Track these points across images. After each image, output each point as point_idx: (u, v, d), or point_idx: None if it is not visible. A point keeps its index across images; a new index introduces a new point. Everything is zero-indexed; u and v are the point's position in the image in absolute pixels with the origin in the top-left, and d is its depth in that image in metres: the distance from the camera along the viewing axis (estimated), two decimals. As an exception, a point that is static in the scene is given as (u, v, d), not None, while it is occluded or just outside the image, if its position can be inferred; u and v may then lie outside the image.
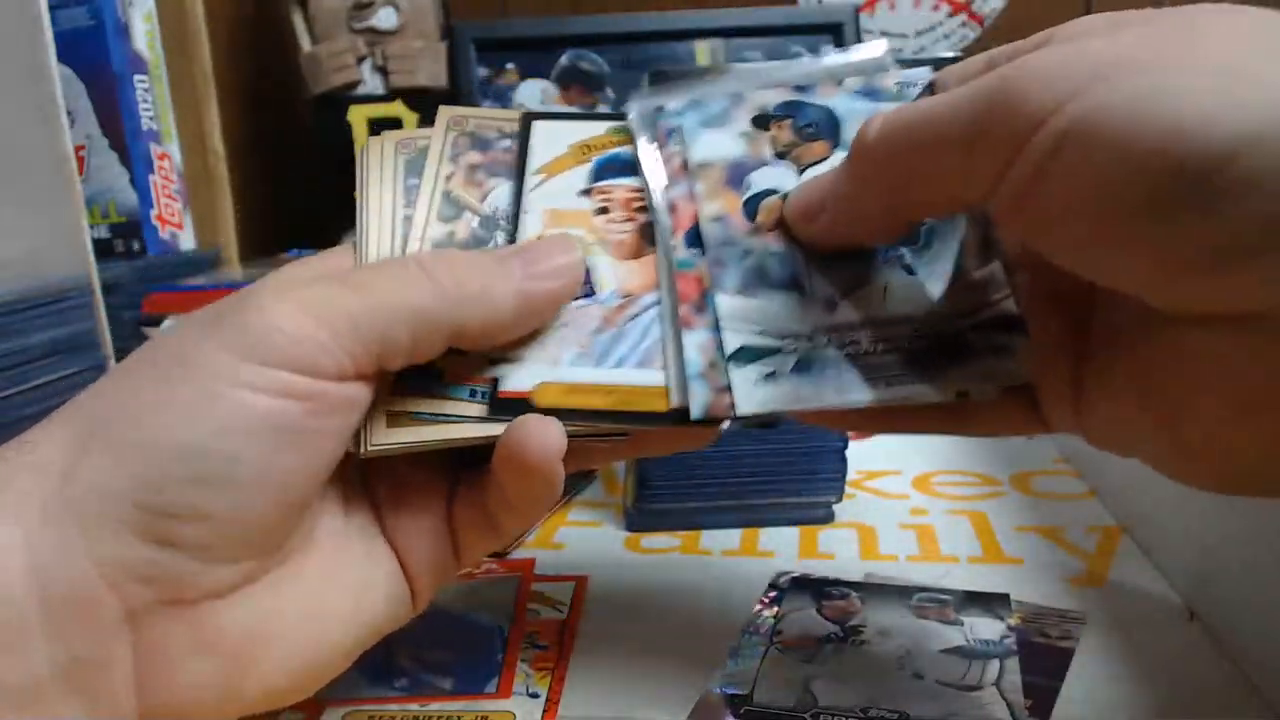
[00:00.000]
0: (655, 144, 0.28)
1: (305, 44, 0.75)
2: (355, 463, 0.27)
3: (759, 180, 0.27)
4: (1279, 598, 0.28)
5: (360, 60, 0.74)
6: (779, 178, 0.27)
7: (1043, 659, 0.30)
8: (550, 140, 0.29)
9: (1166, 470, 0.23)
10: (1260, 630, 0.28)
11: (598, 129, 0.29)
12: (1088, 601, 0.33)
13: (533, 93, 0.75)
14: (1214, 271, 0.17)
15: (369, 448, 0.25)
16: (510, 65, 0.75)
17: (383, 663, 0.31)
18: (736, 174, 0.27)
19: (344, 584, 0.26)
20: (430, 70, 0.74)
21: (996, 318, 0.25)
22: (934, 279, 0.25)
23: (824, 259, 0.26)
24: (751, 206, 0.26)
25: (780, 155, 0.27)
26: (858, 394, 0.24)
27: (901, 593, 0.34)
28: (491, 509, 0.27)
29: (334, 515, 0.26)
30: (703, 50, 0.73)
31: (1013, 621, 0.31)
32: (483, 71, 0.75)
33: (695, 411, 0.24)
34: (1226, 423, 0.20)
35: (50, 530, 0.21)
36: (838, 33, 0.74)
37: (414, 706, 0.29)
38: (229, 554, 0.23)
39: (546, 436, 0.24)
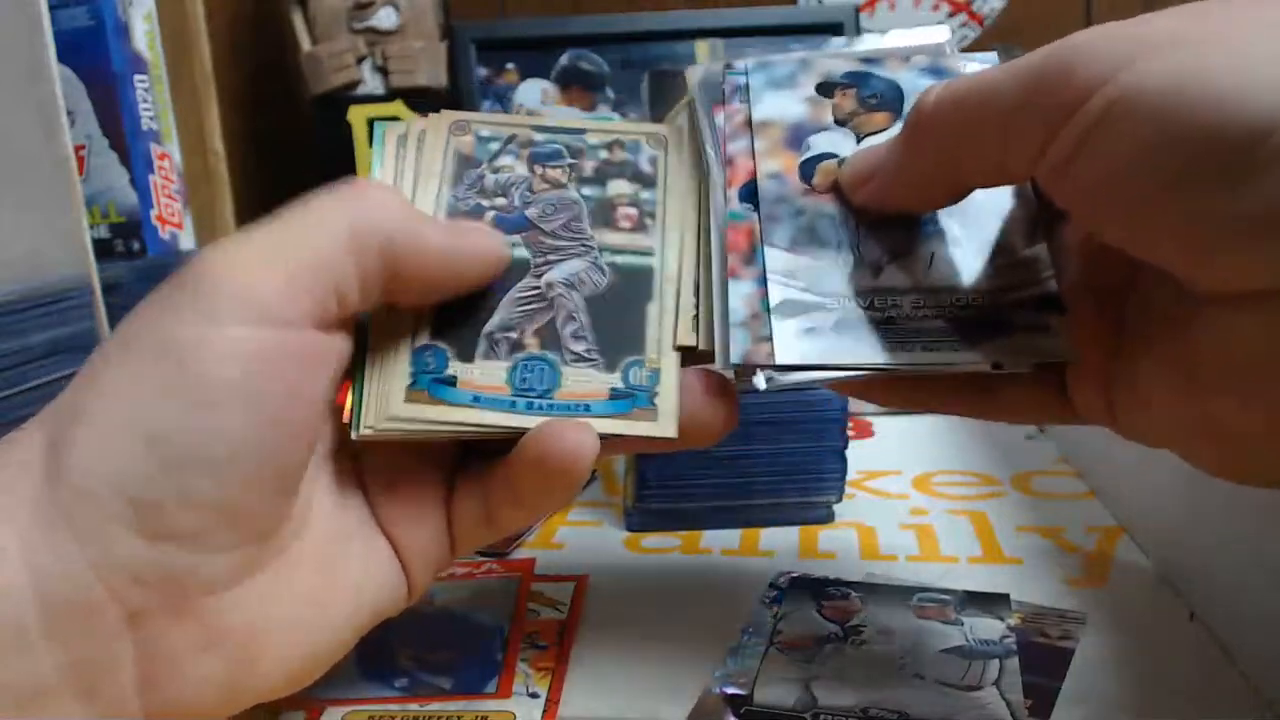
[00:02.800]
0: (714, 104, 0.28)
1: (305, 44, 0.75)
2: (349, 453, 0.27)
3: (818, 143, 0.27)
4: (1279, 598, 0.28)
5: (360, 60, 0.74)
6: (837, 143, 0.27)
7: (1043, 659, 0.30)
8: None
9: (1191, 458, 0.23)
10: (1260, 630, 0.28)
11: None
12: (1088, 601, 0.33)
13: (533, 93, 0.75)
14: (1250, 243, 0.18)
15: (382, 425, 0.25)
16: (510, 65, 0.75)
17: (383, 663, 0.31)
18: (796, 135, 0.27)
19: (341, 575, 0.26)
20: (430, 70, 0.74)
21: (1037, 296, 0.25)
22: (978, 254, 0.26)
23: (873, 225, 0.26)
24: (808, 168, 0.27)
25: (841, 122, 0.28)
26: (894, 356, 0.24)
27: (901, 593, 0.34)
28: (494, 503, 0.27)
29: (328, 506, 0.26)
30: (703, 50, 0.73)
31: (1013, 621, 0.31)
32: (483, 71, 0.75)
33: (735, 356, 0.25)
34: (1261, 406, 0.20)
35: (44, 535, 0.21)
36: (838, 33, 0.74)
37: (414, 706, 0.29)
38: (223, 540, 0.22)
39: (582, 440, 0.24)
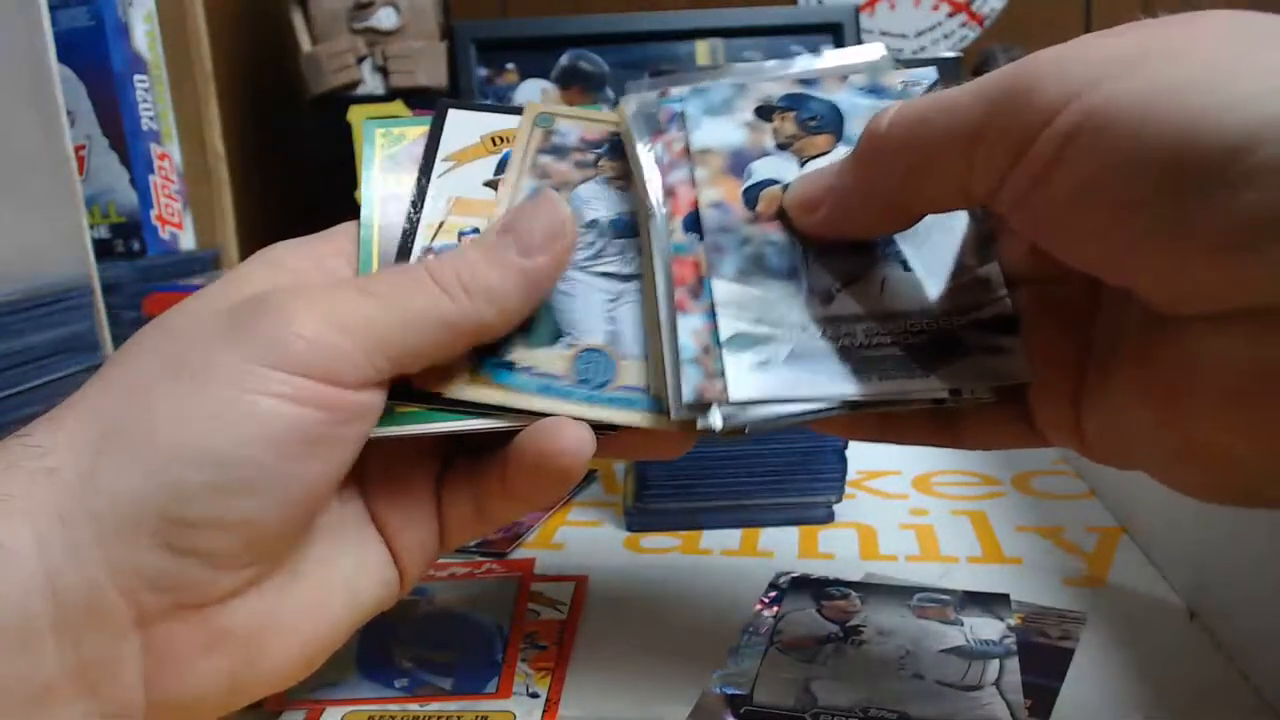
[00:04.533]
0: (652, 134, 0.27)
1: (305, 44, 0.75)
2: None
3: (760, 169, 0.27)
4: (1279, 598, 0.28)
5: (360, 60, 0.74)
6: (780, 168, 0.27)
7: (1043, 659, 0.30)
8: (463, 129, 0.29)
9: (1169, 480, 0.22)
10: (1260, 630, 0.28)
11: (510, 122, 0.29)
12: (1088, 601, 0.33)
13: (533, 93, 0.75)
14: (1224, 259, 0.17)
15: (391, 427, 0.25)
16: (510, 65, 0.75)
17: (383, 663, 0.31)
18: (738, 162, 0.27)
19: (339, 572, 0.26)
20: (430, 70, 0.74)
21: (992, 317, 0.25)
22: (931, 276, 0.25)
23: (822, 251, 0.26)
24: (751, 195, 0.26)
25: (782, 146, 0.27)
26: (850, 386, 0.24)
27: (901, 593, 0.34)
28: (485, 498, 0.27)
29: (330, 506, 0.26)
30: (703, 50, 0.73)
31: (1013, 621, 0.31)
32: (483, 71, 0.75)
33: (687, 395, 0.24)
34: (1231, 426, 0.19)
35: (65, 536, 0.21)
36: (838, 33, 0.74)
37: (414, 706, 0.29)
38: (244, 560, 0.23)
39: (580, 438, 0.25)
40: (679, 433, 0.26)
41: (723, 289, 0.25)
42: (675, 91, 0.28)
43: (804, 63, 0.29)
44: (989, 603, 0.33)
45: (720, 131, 0.27)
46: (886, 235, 0.26)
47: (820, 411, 0.24)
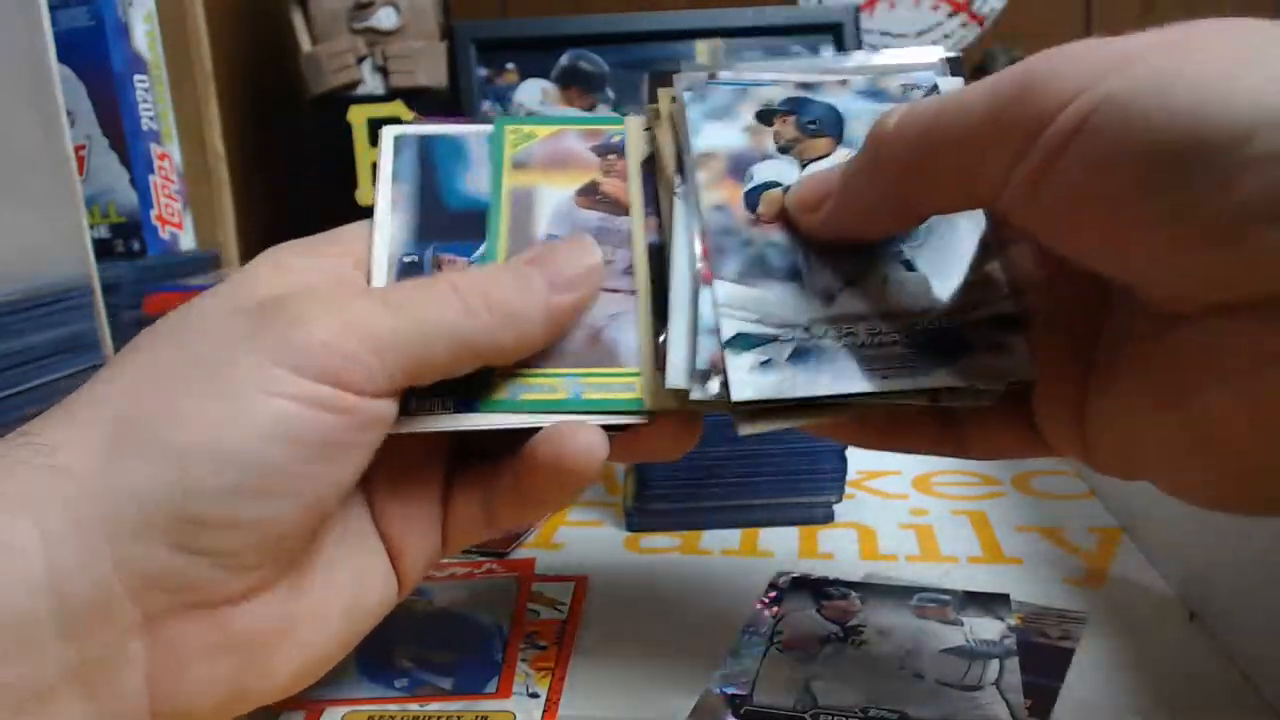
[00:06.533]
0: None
1: (305, 44, 0.75)
2: None
3: (761, 172, 0.27)
4: (1279, 598, 0.28)
5: (360, 60, 0.74)
6: (782, 171, 0.27)
7: (1043, 659, 0.30)
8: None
9: (1172, 485, 0.22)
10: (1260, 630, 0.28)
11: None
12: (1088, 601, 0.33)
13: (533, 93, 0.75)
14: (1224, 246, 0.18)
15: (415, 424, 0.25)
16: (510, 65, 0.75)
17: (383, 663, 0.31)
18: (739, 165, 0.27)
19: (344, 578, 0.26)
20: (430, 70, 0.74)
21: (995, 316, 0.25)
22: (934, 275, 0.25)
23: (823, 251, 0.26)
24: (753, 198, 0.26)
25: (783, 150, 0.27)
26: (853, 383, 0.24)
27: (901, 593, 0.34)
28: (497, 502, 0.27)
29: (335, 512, 0.26)
30: (703, 50, 0.73)
31: (1013, 621, 0.31)
32: (483, 71, 0.75)
33: (700, 362, 0.24)
34: (1235, 417, 0.19)
35: (73, 534, 0.21)
36: (838, 33, 0.74)
37: (414, 706, 0.29)
38: (253, 562, 0.23)
39: (593, 442, 0.25)
40: (681, 422, 0.26)
41: (725, 290, 0.25)
42: (724, 75, 0.28)
43: (860, 59, 0.29)
44: (989, 603, 0.33)
45: (722, 135, 0.27)
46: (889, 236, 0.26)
47: (822, 409, 0.24)
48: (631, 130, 0.29)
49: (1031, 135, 0.19)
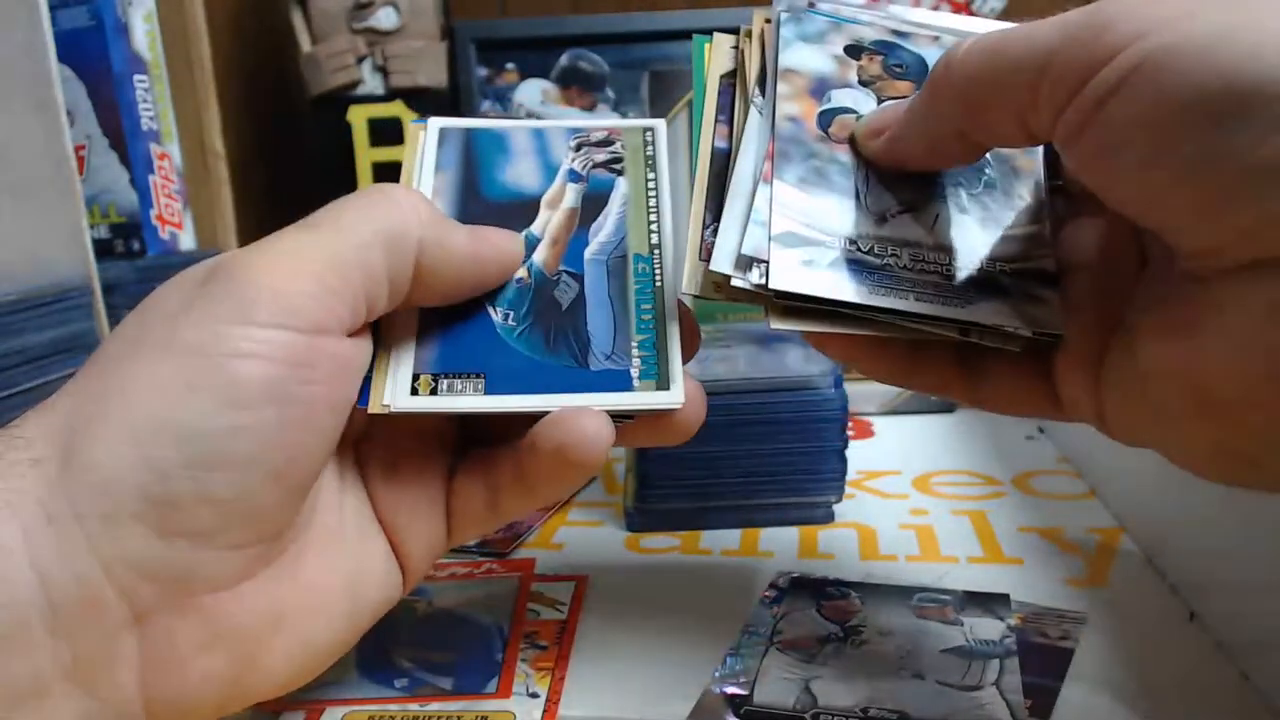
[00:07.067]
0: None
1: (305, 44, 0.75)
2: (350, 442, 0.28)
3: (839, 97, 0.28)
4: (1279, 598, 0.28)
5: (360, 60, 0.74)
6: (859, 100, 0.28)
7: (1043, 659, 0.30)
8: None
9: (1179, 451, 0.23)
10: (1260, 630, 0.28)
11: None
12: (1088, 601, 0.33)
13: (533, 93, 0.75)
14: (1257, 196, 0.18)
15: (396, 405, 0.25)
16: (510, 65, 0.75)
17: (383, 663, 0.31)
18: (819, 88, 0.28)
19: (342, 570, 0.26)
20: (430, 70, 0.74)
21: (1035, 270, 0.26)
22: (983, 224, 0.26)
23: (884, 179, 0.26)
24: (827, 118, 0.27)
25: (864, 84, 0.28)
26: (889, 299, 0.24)
27: (901, 593, 0.34)
28: (501, 492, 0.27)
29: (330, 498, 0.26)
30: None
31: (1013, 621, 0.31)
32: (483, 71, 0.75)
33: (747, 248, 0.25)
34: (1249, 374, 0.20)
35: (51, 529, 0.20)
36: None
37: (414, 706, 0.29)
38: (234, 539, 0.22)
39: (599, 428, 0.25)
40: (686, 407, 0.26)
41: (782, 190, 0.26)
42: (823, 6, 0.29)
43: (956, 20, 0.30)
44: (989, 603, 0.33)
45: (809, 58, 0.28)
46: (945, 169, 0.27)
47: (853, 321, 0.25)
48: (718, 44, 0.30)
49: (1083, 79, 0.20)
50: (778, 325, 0.25)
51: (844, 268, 0.25)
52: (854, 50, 0.28)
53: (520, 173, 0.30)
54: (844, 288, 0.24)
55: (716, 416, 0.39)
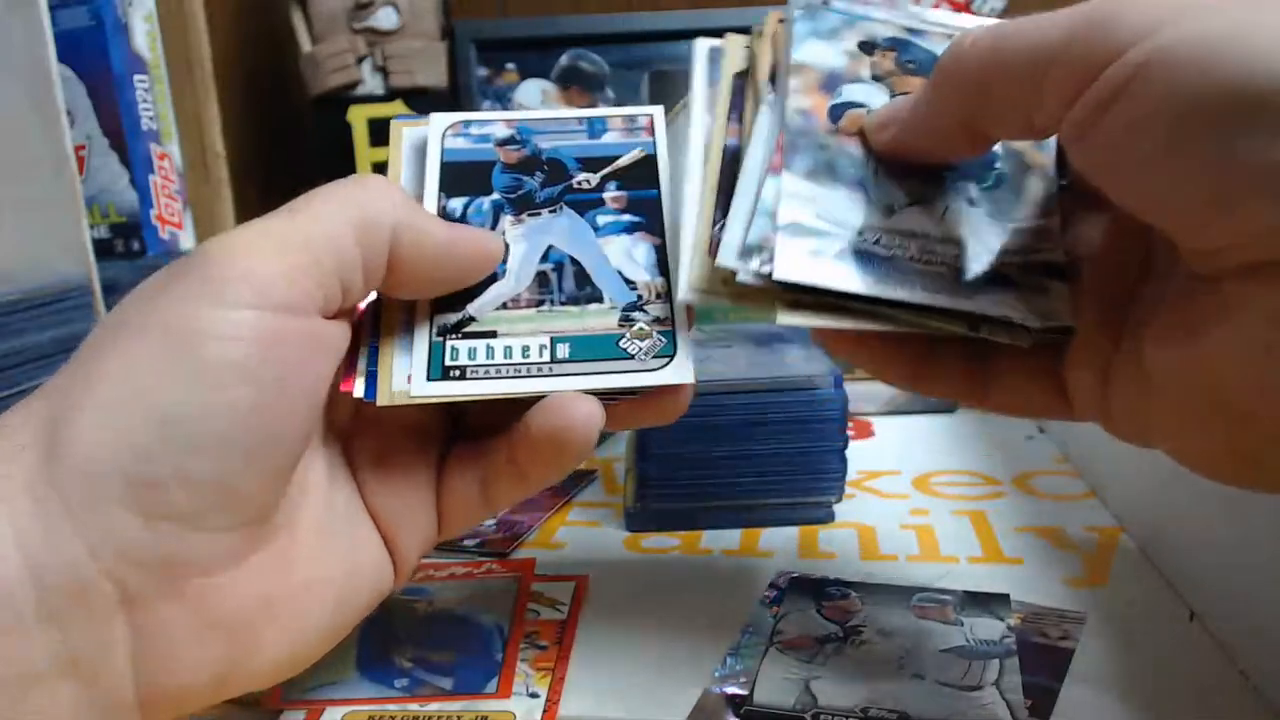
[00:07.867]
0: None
1: (305, 44, 0.75)
2: (338, 435, 0.28)
3: (850, 92, 0.28)
4: (1279, 598, 0.28)
5: (360, 60, 0.74)
6: (870, 95, 0.28)
7: (1043, 659, 0.30)
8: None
9: (1184, 450, 0.23)
10: (1260, 630, 0.28)
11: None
12: (1088, 601, 0.33)
13: (533, 93, 0.75)
14: (1264, 199, 0.18)
15: (413, 395, 0.26)
16: (510, 65, 0.75)
17: (383, 663, 0.31)
18: (831, 82, 0.28)
19: (332, 559, 0.26)
20: (430, 70, 0.74)
21: (1043, 262, 0.26)
22: (992, 217, 0.26)
23: (892, 172, 0.26)
24: (837, 111, 0.27)
25: (877, 79, 0.28)
26: (896, 290, 0.24)
27: (901, 593, 0.34)
28: (492, 480, 0.27)
29: (320, 489, 0.26)
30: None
31: (1013, 621, 0.31)
32: (483, 71, 0.75)
33: (752, 238, 0.25)
34: (1255, 374, 0.20)
35: (37, 515, 0.20)
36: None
37: (414, 706, 0.29)
38: (218, 522, 0.22)
39: (591, 411, 0.25)
40: (675, 393, 0.27)
41: (790, 182, 0.26)
42: (837, 4, 0.29)
43: (968, 17, 0.30)
44: (989, 603, 0.33)
45: (822, 53, 0.28)
46: (953, 162, 0.27)
47: (861, 315, 0.25)
48: (731, 44, 0.31)
49: (1097, 67, 0.20)
50: (785, 319, 0.24)
51: (851, 259, 0.25)
52: (867, 46, 0.29)
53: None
54: (850, 278, 0.24)
55: (717, 416, 0.39)
